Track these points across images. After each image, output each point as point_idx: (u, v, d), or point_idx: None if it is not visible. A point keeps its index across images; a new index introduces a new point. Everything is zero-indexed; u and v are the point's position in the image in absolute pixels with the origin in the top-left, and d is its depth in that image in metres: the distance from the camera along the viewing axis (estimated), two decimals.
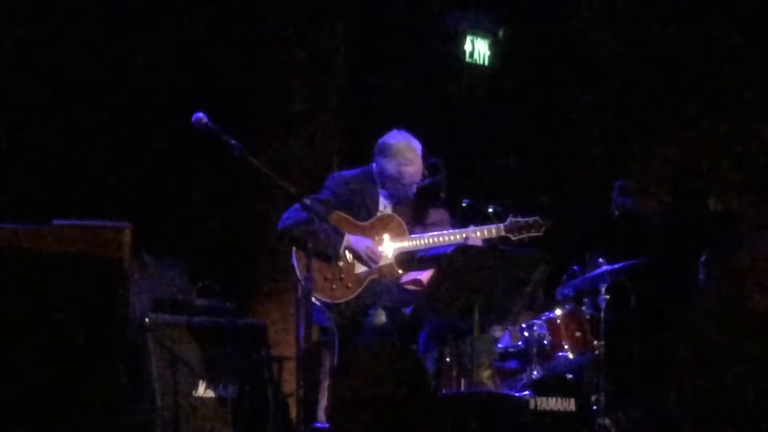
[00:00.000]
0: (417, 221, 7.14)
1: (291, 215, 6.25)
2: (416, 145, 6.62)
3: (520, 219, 6.53)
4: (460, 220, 7.13)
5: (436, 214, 7.21)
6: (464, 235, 6.52)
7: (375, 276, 6.47)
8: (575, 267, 7.46)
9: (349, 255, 6.43)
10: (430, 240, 6.58)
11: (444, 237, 6.56)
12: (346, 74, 8.67)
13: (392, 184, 6.61)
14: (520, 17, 9.68)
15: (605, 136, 9.48)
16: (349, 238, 6.41)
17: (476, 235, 6.52)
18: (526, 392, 6.60)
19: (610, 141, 9.46)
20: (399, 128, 6.71)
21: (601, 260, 7.30)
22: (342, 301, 6.37)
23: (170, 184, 7.69)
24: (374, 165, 6.66)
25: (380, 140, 6.67)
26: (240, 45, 8.13)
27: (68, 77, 7.37)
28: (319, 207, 6.24)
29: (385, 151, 6.61)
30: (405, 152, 6.59)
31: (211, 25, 7.98)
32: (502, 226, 6.52)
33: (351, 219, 6.53)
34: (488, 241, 6.46)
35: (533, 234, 6.52)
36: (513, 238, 6.48)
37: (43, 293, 4.75)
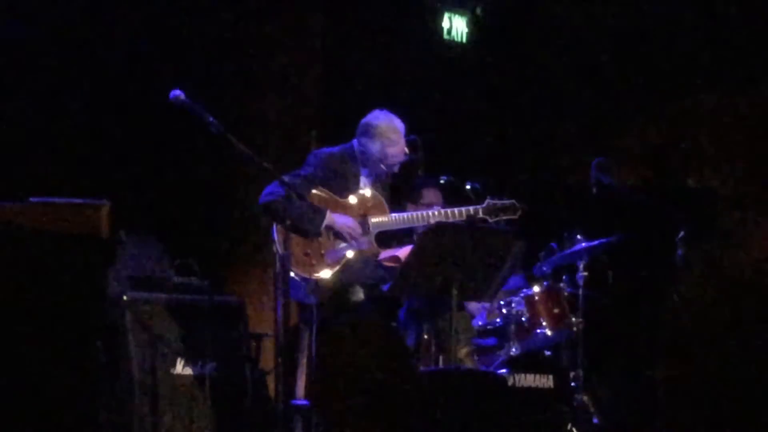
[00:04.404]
0: (411, 201, 7.14)
1: (272, 190, 6.26)
2: (399, 125, 6.62)
3: (497, 201, 6.54)
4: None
5: (429, 194, 7.20)
6: (442, 214, 6.53)
7: (355, 252, 6.48)
8: (553, 244, 7.47)
9: (329, 232, 6.44)
10: (409, 217, 6.59)
11: (423, 215, 6.56)
12: (324, 50, 8.63)
13: (375, 164, 6.61)
14: None
15: (584, 113, 9.48)
16: (331, 216, 6.42)
17: (455, 215, 6.53)
18: (504, 369, 6.61)
19: (588, 118, 9.46)
20: (381, 108, 6.69)
21: (579, 237, 7.31)
22: (320, 276, 6.38)
23: (148, 161, 7.65)
24: (355, 143, 6.65)
25: (363, 121, 6.65)
26: (218, 15, 8.09)
27: (45, 56, 7.32)
28: (299, 184, 6.24)
29: (369, 132, 6.60)
30: (388, 133, 6.59)
31: None
32: (480, 207, 6.52)
33: (332, 197, 6.52)
34: (469, 218, 6.46)
35: (509, 216, 6.54)
36: (490, 220, 6.49)
37: (20, 271, 4.72)
